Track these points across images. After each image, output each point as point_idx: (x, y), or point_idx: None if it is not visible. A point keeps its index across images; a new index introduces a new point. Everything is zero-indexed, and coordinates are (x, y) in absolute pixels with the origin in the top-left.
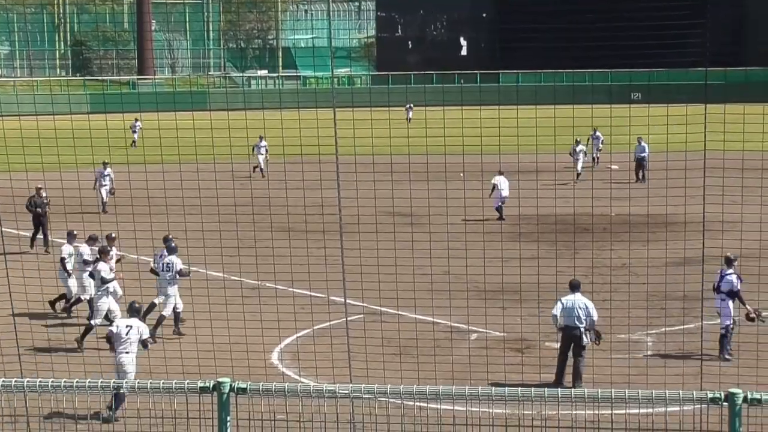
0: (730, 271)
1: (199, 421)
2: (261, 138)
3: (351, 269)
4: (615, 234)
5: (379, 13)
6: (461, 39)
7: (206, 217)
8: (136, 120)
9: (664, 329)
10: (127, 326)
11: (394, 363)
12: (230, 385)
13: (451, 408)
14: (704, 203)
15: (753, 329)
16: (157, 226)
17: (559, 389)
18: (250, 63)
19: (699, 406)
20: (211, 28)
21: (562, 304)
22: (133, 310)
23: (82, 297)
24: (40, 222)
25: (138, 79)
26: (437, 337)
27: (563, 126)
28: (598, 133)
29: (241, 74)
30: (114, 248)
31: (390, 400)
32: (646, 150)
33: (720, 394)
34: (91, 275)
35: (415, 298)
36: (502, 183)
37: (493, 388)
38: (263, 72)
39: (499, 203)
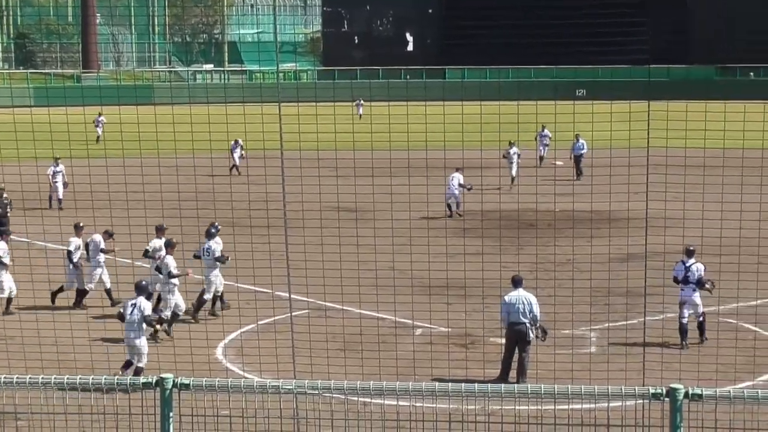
0: (693, 260)
1: (141, 417)
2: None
3: (296, 264)
4: (559, 230)
5: (325, 9)
6: (407, 35)
7: (151, 212)
8: (100, 114)
9: (607, 325)
10: (131, 305)
11: (338, 359)
12: (173, 381)
13: (395, 404)
14: (647, 200)
15: (694, 326)
16: (101, 221)
17: (503, 384)
18: (196, 57)
19: (641, 401)
20: (156, 22)
21: (506, 301)
22: (139, 289)
23: (88, 287)
24: (1, 223)
25: (82, 72)
26: (382, 332)
27: (508, 123)
28: (546, 132)
29: (186, 68)
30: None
31: (334, 395)
32: (585, 147)
33: (661, 390)
34: (158, 269)
35: (359, 293)
36: (452, 180)
37: (437, 383)
38: (209, 66)
39: (449, 200)
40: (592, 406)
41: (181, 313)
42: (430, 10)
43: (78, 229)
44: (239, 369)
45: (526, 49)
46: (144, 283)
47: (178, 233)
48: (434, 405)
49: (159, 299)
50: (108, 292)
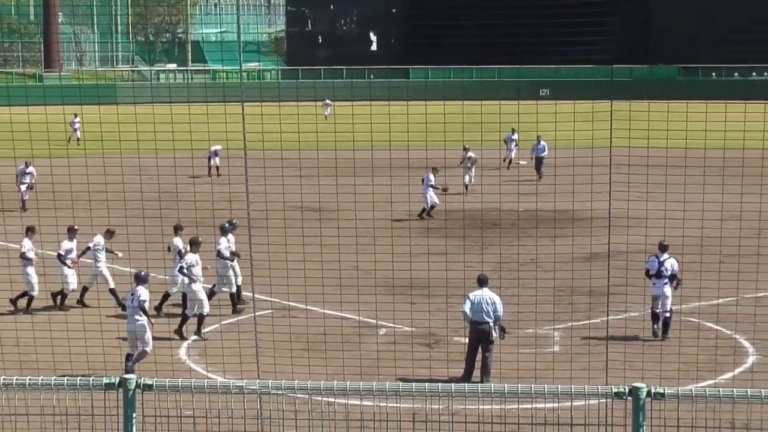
0: (666, 256)
1: (104, 418)
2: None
3: (259, 264)
4: (523, 229)
5: (288, 8)
6: (371, 34)
7: (114, 212)
8: (75, 115)
9: (570, 324)
10: (131, 294)
11: (302, 358)
12: (136, 382)
13: (359, 403)
14: (610, 199)
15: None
16: (64, 222)
17: (466, 384)
18: (159, 56)
19: (604, 400)
20: (119, 21)
21: (471, 299)
22: (138, 279)
23: (89, 286)
24: None
25: (44, 72)
26: (346, 332)
27: (472, 122)
28: (515, 135)
29: (149, 68)
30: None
31: (298, 395)
32: (546, 149)
33: (624, 389)
34: (181, 270)
35: (323, 293)
36: (422, 180)
37: (401, 383)
38: (172, 66)
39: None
40: (556, 405)
41: (206, 314)
42: (394, 10)
43: (72, 232)
44: (203, 369)
45: (490, 49)
46: (143, 273)
47: (141, 233)
48: (398, 405)
49: (166, 295)
50: (82, 290)
